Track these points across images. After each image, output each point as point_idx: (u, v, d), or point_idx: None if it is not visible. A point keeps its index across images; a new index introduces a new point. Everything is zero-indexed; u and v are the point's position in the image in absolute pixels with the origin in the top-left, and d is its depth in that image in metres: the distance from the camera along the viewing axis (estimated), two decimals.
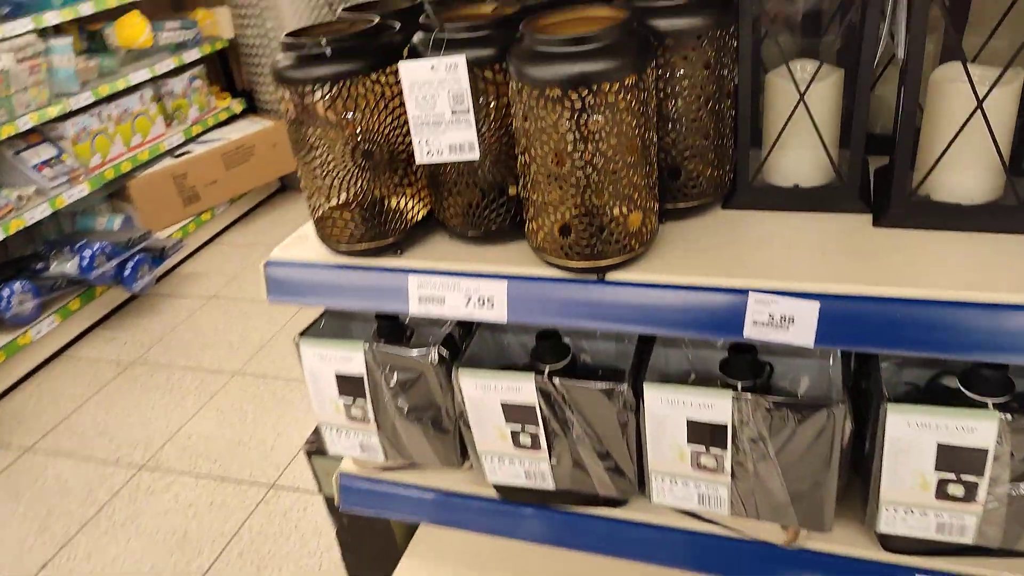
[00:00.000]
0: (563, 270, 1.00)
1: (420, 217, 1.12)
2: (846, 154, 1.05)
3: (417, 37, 1.02)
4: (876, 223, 1.01)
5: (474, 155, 1.00)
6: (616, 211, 0.94)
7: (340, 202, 1.07)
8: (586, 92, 0.85)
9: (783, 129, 1.04)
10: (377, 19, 1.03)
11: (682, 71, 0.97)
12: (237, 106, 4.41)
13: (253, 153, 4.23)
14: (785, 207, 1.09)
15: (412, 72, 0.97)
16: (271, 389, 3.16)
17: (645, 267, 0.99)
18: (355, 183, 1.05)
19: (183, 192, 4.05)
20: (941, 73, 0.97)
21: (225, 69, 4.55)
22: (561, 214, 0.94)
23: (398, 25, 1.04)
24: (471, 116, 0.98)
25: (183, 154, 4.07)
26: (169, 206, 4.02)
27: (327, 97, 0.99)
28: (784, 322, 0.92)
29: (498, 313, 1.05)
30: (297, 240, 1.22)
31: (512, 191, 1.05)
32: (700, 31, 0.96)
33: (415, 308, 1.10)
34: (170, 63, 3.91)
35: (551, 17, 0.96)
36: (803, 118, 1.04)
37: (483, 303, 1.06)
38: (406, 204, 1.09)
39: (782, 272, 0.94)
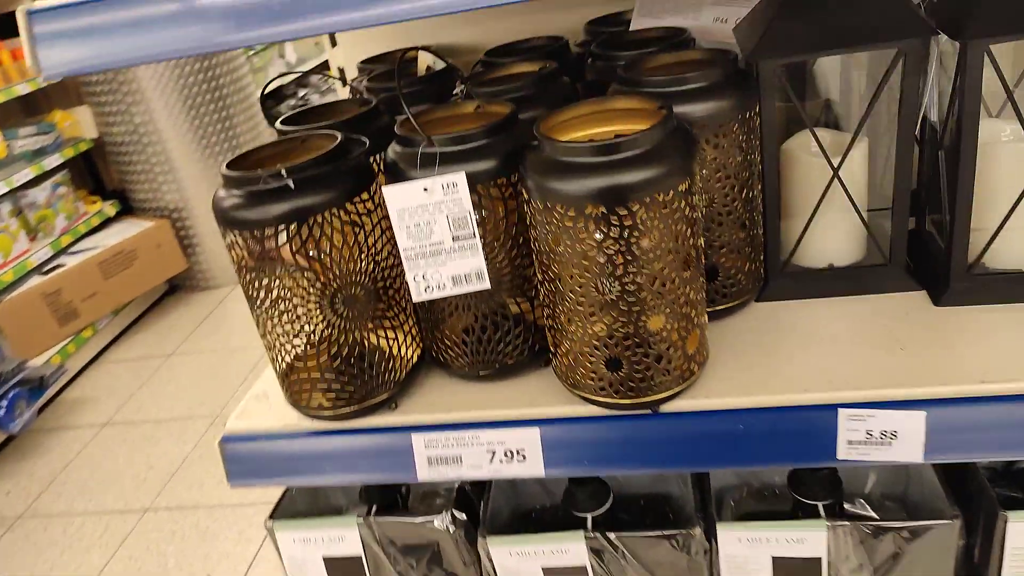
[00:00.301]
0: (609, 408, 0.83)
1: (415, 360, 0.93)
2: (875, 224, 0.94)
3: (394, 152, 0.84)
4: (938, 302, 0.91)
5: (484, 284, 0.83)
6: (675, 336, 0.78)
7: (314, 359, 0.86)
8: (637, 206, 0.70)
9: (818, 206, 0.93)
10: (339, 136, 0.85)
11: (716, 159, 0.84)
12: (110, 208, 4.02)
13: (136, 257, 3.86)
14: (823, 292, 0.97)
15: (401, 197, 0.79)
16: (192, 522, 2.79)
17: (703, 390, 0.84)
18: (334, 335, 0.85)
19: (57, 311, 3.62)
20: (985, 132, 0.88)
21: (92, 171, 4.15)
22: (609, 347, 0.78)
23: (367, 141, 0.85)
24: (477, 240, 0.81)
25: (54, 269, 3.65)
26: (42, 329, 3.58)
27: (295, 239, 0.79)
28: (885, 438, 0.78)
29: (532, 467, 0.87)
30: (256, 403, 0.99)
31: (528, 315, 0.88)
32: (733, 113, 0.83)
33: (425, 474, 0.90)
34: (28, 172, 3.51)
35: (563, 116, 0.80)
36: (833, 192, 0.92)
37: (511, 457, 0.87)
38: (398, 349, 0.90)
39: (867, 377, 0.81)
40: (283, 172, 0.78)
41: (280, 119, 1.00)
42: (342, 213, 0.80)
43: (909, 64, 0.83)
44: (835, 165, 0.90)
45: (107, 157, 4.05)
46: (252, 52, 5.08)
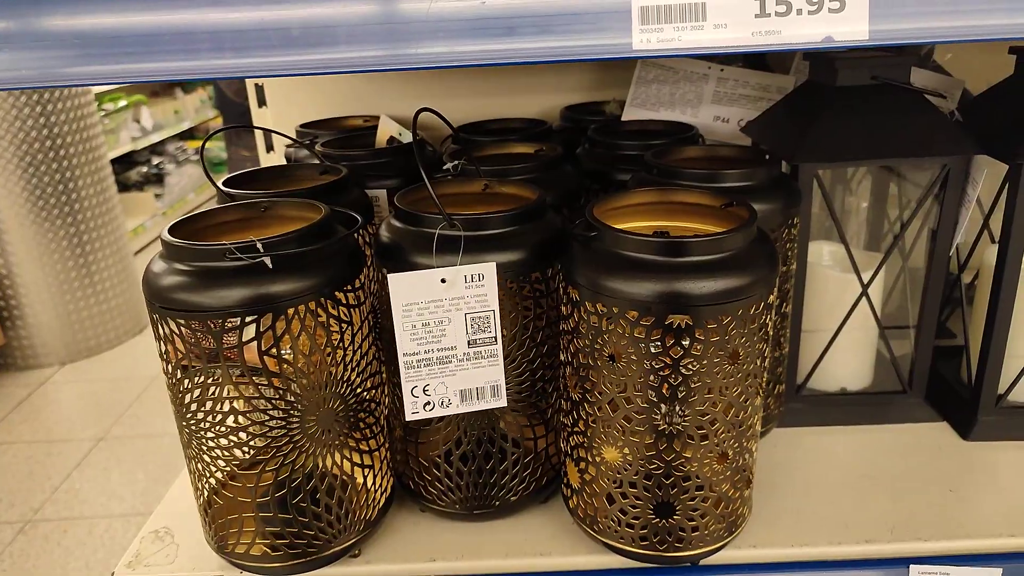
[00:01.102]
0: (643, 560, 0.67)
1: (388, 493, 0.73)
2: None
3: (393, 231, 0.67)
4: (966, 436, 0.84)
5: (500, 401, 0.66)
6: (737, 475, 0.65)
7: (266, 493, 0.65)
8: (728, 319, 0.57)
9: (842, 325, 0.85)
10: (325, 208, 0.67)
11: None
12: None
13: None
14: (839, 420, 0.88)
15: (409, 289, 0.62)
16: None
17: (749, 538, 0.71)
18: (298, 461, 0.64)
19: None
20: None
21: None
22: (663, 488, 0.63)
23: (359, 218, 0.68)
24: (499, 346, 0.65)
25: None
26: None
27: (266, 334, 0.59)
28: None
29: None
30: (155, 544, 0.75)
31: (539, 441, 0.72)
32: (783, 217, 0.74)
33: None
34: None
35: (611, 204, 0.67)
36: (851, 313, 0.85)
37: None
38: (372, 480, 0.70)
39: (928, 525, 0.71)
40: (258, 245, 0.59)
41: (223, 180, 0.80)
42: (329, 305, 0.62)
43: (951, 181, 0.78)
44: (864, 282, 0.83)
45: None
46: (104, 114, 4.68)
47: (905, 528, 0.71)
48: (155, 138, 5.15)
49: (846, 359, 0.89)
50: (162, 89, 5.67)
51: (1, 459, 3.04)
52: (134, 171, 5.21)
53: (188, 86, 5.66)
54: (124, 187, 4.99)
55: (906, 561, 0.68)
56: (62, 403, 3.44)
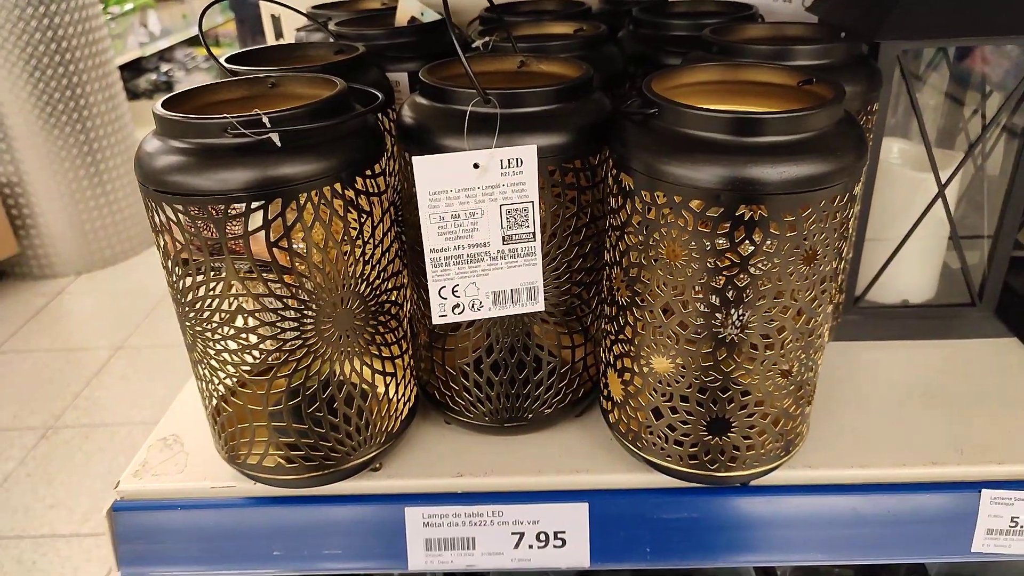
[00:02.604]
0: (690, 480, 0.62)
1: (412, 403, 0.68)
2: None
3: (417, 110, 0.59)
4: None
5: (537, 305, 0.59)
6: (799, 390, 0.58)
7: (279, 401, 0.59)
8: (809, 211, 0.49)
9: (912, 229, 0.77)
10: (340, 83, 0.58)
11: None
12: None
13: None
14: (899, 334, 0.81)
15: (437, 174, 0.54)
16: (14, 555, 2.29)
17: (802, 459, 0.65)
18: (312, 366, 0.58)
19: None
20: None
21: None
22: (719, 402, 0.56)
23: (379, 95, 0.60)
24: (538, 243, 0.57)
25: None
26: None
27: (275, 223, 0.52)
28: None
29: (573, 555, 0.64)
30: (163, 452, 0.70)
31: (578, 349, 0.65)
32: (862, 103, 0.65)
33: (420, 561, 0.64)
34: None
35: (671, 81, 0.58)
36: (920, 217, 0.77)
37: (546, 541, 0.64)
38: (395, 389, 0.64)
39: (1002, 447, 0.65)
40: (264, 120, 0.51)
41: (226, 57, 0.71)
42: (347, 192, 0.54)
43: None
44: (942, 182, 0.74)
45: None
46: (111, 17, 4.51)
47: (975, 450, 0.65)
48: (163, 44, 4.98)
49: (910, 268, 0.81)
50: None
51: (21, 366, 3.05)
52: (143, 79, 5.06)
53: None
54: (133, 95, 4.86)
55: (978, 485, 0.62)
56: (79, 312, 3.44)
